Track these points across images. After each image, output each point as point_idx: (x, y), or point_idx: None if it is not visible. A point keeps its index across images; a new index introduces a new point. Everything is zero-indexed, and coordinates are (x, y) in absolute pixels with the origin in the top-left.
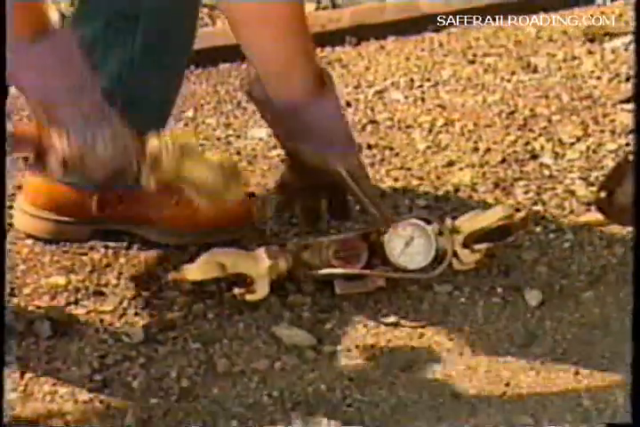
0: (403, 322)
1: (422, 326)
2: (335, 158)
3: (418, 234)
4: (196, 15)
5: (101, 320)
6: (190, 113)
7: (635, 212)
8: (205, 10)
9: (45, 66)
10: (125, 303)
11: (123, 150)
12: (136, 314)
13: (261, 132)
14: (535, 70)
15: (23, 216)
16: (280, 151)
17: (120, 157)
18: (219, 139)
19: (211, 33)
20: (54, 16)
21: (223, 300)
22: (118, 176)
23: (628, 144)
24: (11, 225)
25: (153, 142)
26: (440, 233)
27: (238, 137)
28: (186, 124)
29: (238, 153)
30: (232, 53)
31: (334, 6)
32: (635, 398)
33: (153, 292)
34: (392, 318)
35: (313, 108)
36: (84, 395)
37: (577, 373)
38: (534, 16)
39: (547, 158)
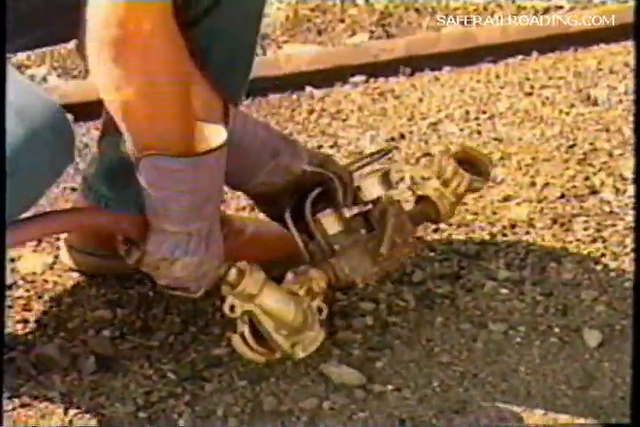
0: (456, 361)
1: (476, 366)
2: (291, 162)
3: None
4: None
5: (147, 356)
6: None
7: (635, 213)
8: None
9: (206, 177)
10: (172, 339)
11: (198, 276)
12: (182, 350)
13: None
14: (595, 103)
15: (70, 250)
16: None
17: (191, 280)
18: None
19: (260, 62)
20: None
21: None
22: (180, 289)
23: None
24: (57, 257)
25: (240, 267)
26: None
27: None
28: None
29: None
30: (282, 84)
31: (388, 36)
32: (634, 399)
33: (200, 327)
34: (444, 358)
35: (234, 135)
36: None
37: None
38: (595, 47)
39: (607, 194)
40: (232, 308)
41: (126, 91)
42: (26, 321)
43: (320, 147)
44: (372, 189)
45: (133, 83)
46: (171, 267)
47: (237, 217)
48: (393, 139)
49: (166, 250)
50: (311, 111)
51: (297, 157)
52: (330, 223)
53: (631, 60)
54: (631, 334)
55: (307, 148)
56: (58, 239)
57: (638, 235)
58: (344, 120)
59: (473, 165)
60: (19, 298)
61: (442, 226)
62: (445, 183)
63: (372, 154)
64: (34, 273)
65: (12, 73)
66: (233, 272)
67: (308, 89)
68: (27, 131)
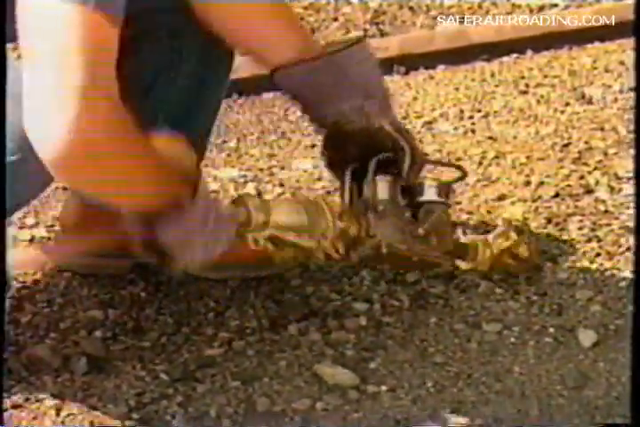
0: (450, 362)
1: (470, 367)
2: (377, 113)
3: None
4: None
5: (139, 356)
6: (233, 143)
7: (635, 214)
8: None
9: (195, 223)
10: (164, 339)
11: (217, 253)
12: (175, 350)
13: (306, 163)
14: (590, 102)
15: None
16: (325, 183)
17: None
18: (262, 169)
19: None
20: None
21: (264, 337)
22: None
23: None
24: None
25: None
26: None
27: (282, 168)
28: (228, 155)
29: (282, 184)
30: None
31: (382, 34)
32: (635, 398)
33: (192, 327)
34: (439, 358)
35: (343, 56)
36: None
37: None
38: (590, 45)
39: (602, 193)
40: (256, 241)
41: (99, 192)
42: (17, 322)
43: (313, 146)
44: (429, 190)
45: (101, 187)
46: (193, 262)
47: None
48: None
49: (198, 252)
50: None
51: (383, 113)
52: (382, 188)
53: (626, 58)
54: (630, 334)
55: (395, 113)
56: (49, 239)
57: (638, 233)
58: None
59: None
60: (10, 298)
61: None
62: (494, 237)
63: (444, 163)
64: (25, 273)
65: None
66: (241, 212)
67: None
68: None
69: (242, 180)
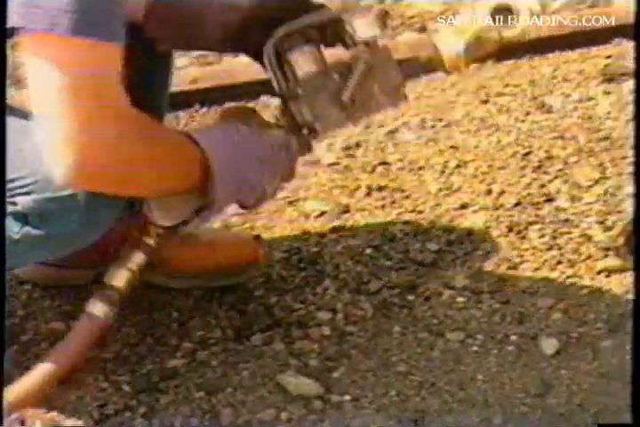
0: (413, 371)
1: (433, 375)
2: None
3: None
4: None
5: (102, 368)
6: None
7: (634, 217)
8: None
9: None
10: (127, 350)
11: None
12: (138, 361)
13: None
14: (550, 111)
15: None
16: None
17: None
18: None
19: (217, 72)
20: None
21: (228, 347)
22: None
23: None
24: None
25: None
26: None
27: None
28: None
29: None
30: (238, 92)
31: None
32: (635, 399)
33: (156, 338)
34: (402, 367)
35: None
36: None
37: (595, 424)
38: (550, 55)
39: (563, 201)
40: None
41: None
42: None
43: None
44: (360, 27)
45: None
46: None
47: None
48: (349, 147)
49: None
50: None
51: None
52: (301, 62)
53: (586, 67)
54: (628, 333)
55: None
56: None
57: (638, 231)
58: None
59: None
60: None
61: (398, 234)
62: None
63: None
64: None
65: None
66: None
67: (263, 98)
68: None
69: None
